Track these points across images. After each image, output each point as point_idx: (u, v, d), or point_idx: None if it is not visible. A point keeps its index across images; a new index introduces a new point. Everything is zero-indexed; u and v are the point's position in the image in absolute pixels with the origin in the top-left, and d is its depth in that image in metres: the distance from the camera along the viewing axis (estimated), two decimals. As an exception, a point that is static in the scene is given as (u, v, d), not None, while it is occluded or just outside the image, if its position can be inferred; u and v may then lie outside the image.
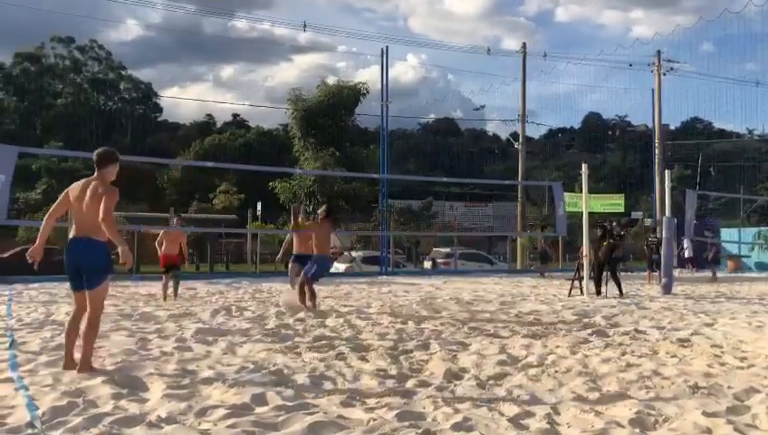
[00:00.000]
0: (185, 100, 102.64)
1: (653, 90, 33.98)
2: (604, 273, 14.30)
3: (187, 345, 6.98)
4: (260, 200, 33.34)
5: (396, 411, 4.37)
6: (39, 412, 4.24)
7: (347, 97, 30.64)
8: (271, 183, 30.31)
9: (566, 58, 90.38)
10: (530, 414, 4.40)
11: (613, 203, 28.55)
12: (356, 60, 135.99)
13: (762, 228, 33.15)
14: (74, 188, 5.70)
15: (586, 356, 6.55)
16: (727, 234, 32.19)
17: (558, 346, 7.12)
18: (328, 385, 5.22)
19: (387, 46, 27.58)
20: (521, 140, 32.84)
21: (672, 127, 51.86)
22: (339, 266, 26.66)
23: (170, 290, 12.54)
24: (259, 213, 33.16)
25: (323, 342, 7.27)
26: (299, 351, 6.67)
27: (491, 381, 5.41)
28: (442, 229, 39.62)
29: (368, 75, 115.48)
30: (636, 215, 36.82)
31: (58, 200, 5.78)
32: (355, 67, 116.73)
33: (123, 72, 63.92)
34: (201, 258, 32.93)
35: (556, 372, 5.79)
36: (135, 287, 15.82)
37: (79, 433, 3.90)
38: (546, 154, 67.12)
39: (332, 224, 11.69)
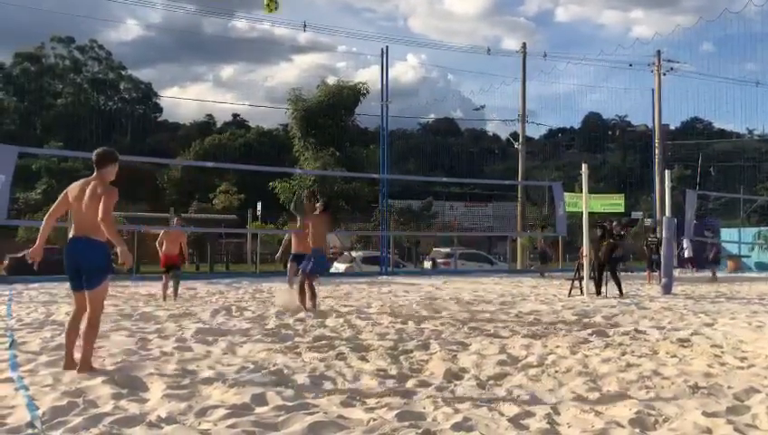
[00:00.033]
0: (185, 100, 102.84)
1: (653, 90, 34.00)
2: (604, 273, 14.31)
3: (187, 345, 6.98)
4: (260, 200, 33.37)
5: (396, 411, 4.37)
6: (39, 412, 4.24)
7: (347, 97, 30.66)
8: (271, 183, 30.32)
9: (566, 58, 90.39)
10: (530, 414, 4.40)
11: (613, 203, 28.57)
12: (356, 60, 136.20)
13: (762, 228, 33.16)
14: (73, 189, 5.70)
15: (586, 356, 6.55)
16: (727, 234, 32.20)
17: (558, 346, 7.11)
18: (328, 385, 5.21)
19: (387, 46, 27.63)
20: (521, 140, 32.84)
21: (672, 127, 51.94)
22: (339, 266, 26.68)
23: (170, 290, 12.54)
24: (259, 213, 33.19)
25: (323, 342, 7.27)
26: (299, 351, 6.67)
27: (491, 381, 5.41)
28: (442, 229, 39.63)
29: (368, 75, 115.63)
30: (636, 215, 36.84)
31: (57, 201, 5.78)
32: (355, 67, 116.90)
33: (123, 72, 63.99)
34: (201, 258, 32.95)
35: (556, 372, 5.79)
36: (135, 287, 15.83)
37: (79, 433, 3.90)
38: (546, 154, 67.12)
39: (330, 218, 11.57)
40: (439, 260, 30.15)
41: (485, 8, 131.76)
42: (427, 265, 30.79)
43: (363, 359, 6.31)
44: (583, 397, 4.88)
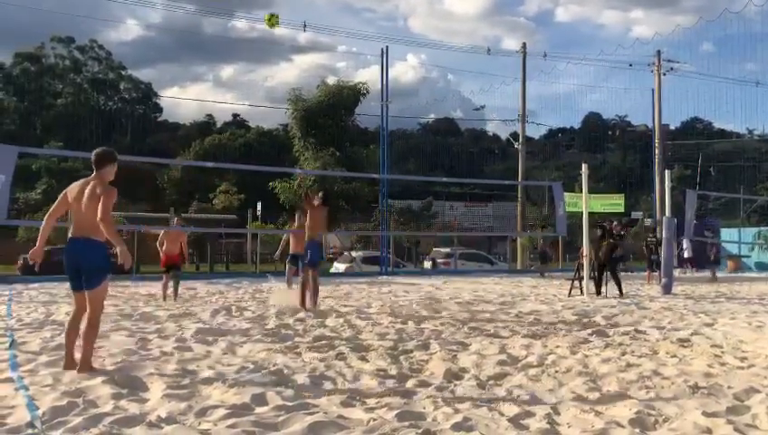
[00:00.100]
0: (185, 100, 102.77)
1: (653, 90, 33.98)
2: (604, 273, 14.31)
3: (187, 345, 6.98)
4: (260, 200, 33.35)
5: (396, 411, 4.37)
6: (39, 412, 4.24)
7: (347, 97, 30.64)
8: (271, 183, 30.29)
9: (566, 58, 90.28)
10: (530, 414, 4.40)
11: (613, 203, 28.55)
12: (356, 60, 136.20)
13: (762, 228, 33.18)
14: (73, 189, 5.70)
15: (586, 356, 6.54)
16: (727, 234, 32.21)
17: (558, 346, 7.11)
18: (328, 385, 5.21)
19: (387, 46, 27.65)
20: (521, 140, 32.84)
21: (672, 127, 51.96)
22: (339, 266, 26.69)
23: (170, 290, 12.54)
24: (259, 213, 33.17)
25: (323, 342, 7.27)
26: (299, 351, 6.67)
27: (491, 381, 5.40)
28: (442, 229, 39.65)
29: (368, 75, 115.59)
30: (636, 215, 36.85)
31: (57, 201, 5.78)
32: (355, 67, 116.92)
33: (123, 72, 63.97)
34: (201, 258, 32.96)
35: (556, 372, 5.79)
36: (135, 287, 15.83)
37: (79, 433, 3.90)
38: (546, 154, 67.12)
39: (328, 212, 11.54)
40: (439, 260, 30.15)
41: (485, 8, 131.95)
42: (427, 265, 30.79)
43: (363, 359, 6.31)
44: (583, 397, 4.88)
